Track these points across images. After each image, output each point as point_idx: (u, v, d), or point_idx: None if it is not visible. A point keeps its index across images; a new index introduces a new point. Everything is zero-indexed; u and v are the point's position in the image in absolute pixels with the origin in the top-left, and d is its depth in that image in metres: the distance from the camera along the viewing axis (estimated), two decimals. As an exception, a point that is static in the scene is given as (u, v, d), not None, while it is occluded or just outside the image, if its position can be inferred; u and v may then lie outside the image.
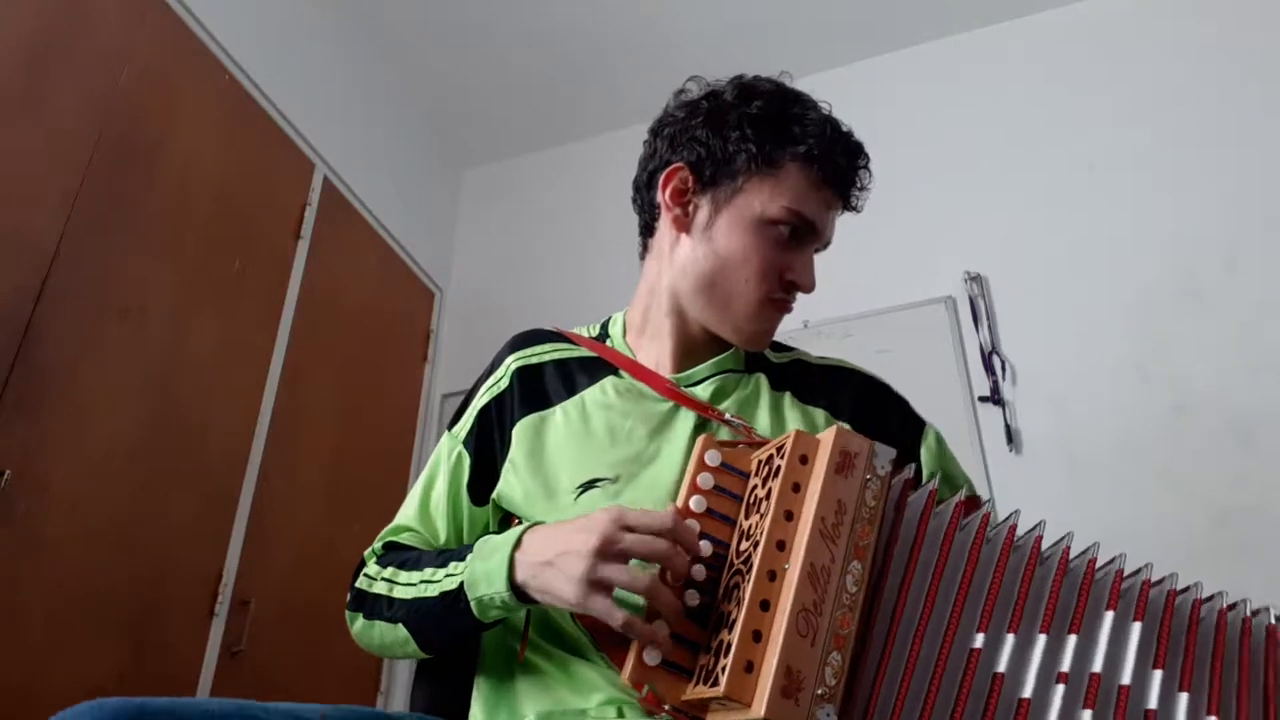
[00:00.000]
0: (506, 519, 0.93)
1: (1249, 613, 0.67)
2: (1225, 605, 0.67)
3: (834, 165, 0.86)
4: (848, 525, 0.65)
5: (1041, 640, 0.64)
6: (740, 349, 0.96)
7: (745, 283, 0.87)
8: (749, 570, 0.65)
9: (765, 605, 0.62)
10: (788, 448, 0.69)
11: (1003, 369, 2.28)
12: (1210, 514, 1.97)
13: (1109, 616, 0.65)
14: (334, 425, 2.36)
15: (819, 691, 0.58)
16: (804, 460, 0.69)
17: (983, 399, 2.26)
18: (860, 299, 2.46)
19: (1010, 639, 0.64)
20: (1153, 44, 2.50)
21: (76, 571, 1.57)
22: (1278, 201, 2.19)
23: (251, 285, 2.12)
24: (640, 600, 0.67)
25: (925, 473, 0.92)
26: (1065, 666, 0.63)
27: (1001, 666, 0.63)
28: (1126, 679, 0.62)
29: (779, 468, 0.69)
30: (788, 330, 2.46)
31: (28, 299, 1.56)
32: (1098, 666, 0.63)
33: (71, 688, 1.53)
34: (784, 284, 0.88)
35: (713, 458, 0.74)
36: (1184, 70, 2.43)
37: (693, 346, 0.95)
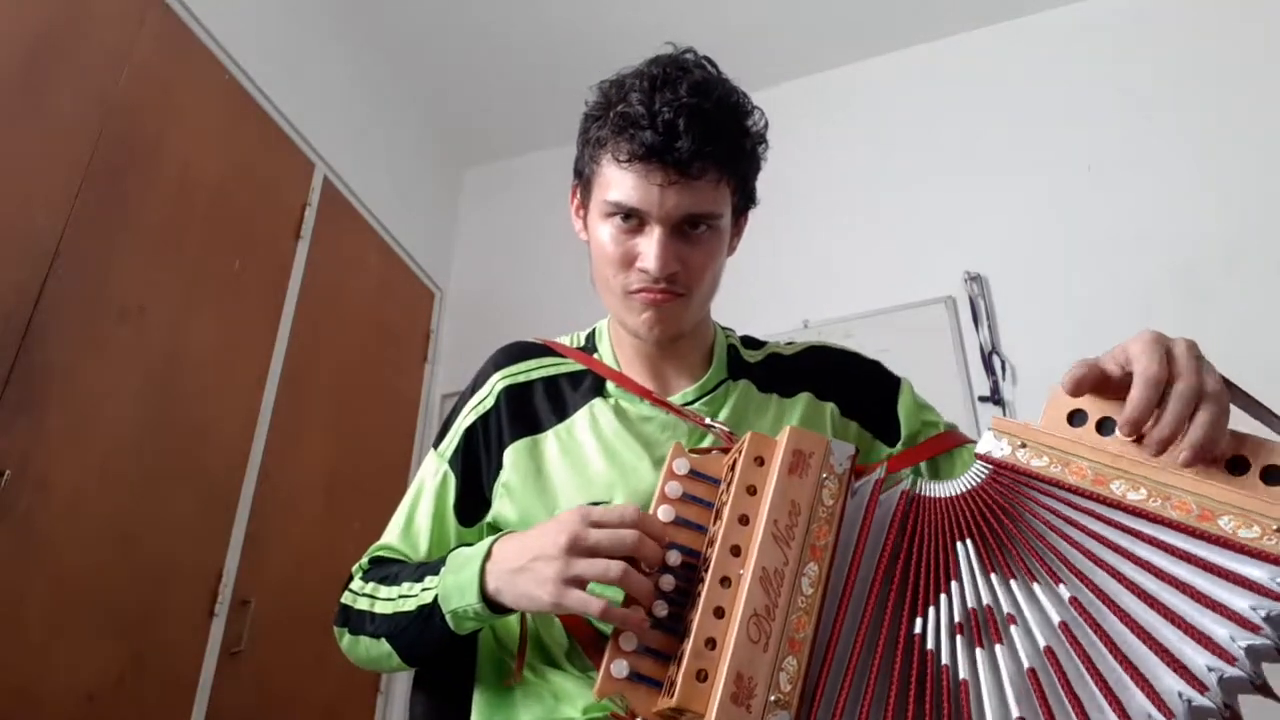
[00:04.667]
0: None
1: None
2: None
3: (637, 139, 0.81)
4: (802, 526, 0.64)
5: (943, 601, 0.62)
6: (720, 360, 0.97)
7: (609, 279, 0.88)
8: (707, 577, 0.64)
9: (720, 612, 0.62)
10: (744, 450, 0.69)
11: (1003, 369, 2.28)
12: (1210, 514, 1.97)
13: (960, 549, 0.64)
14: (334, 425, 2.36)
15: (772, 698, 0.58)
16: (760, 462, 0.68)
17: (983, 399, 2.26)
18: (860, 299, 2.47)
19: (931, 612, 0.62)
20: (1152, 44, 2.49)
21: (76, 571, 1.57)
22: (1278, 201, 2.19)
23: (251, 285, 2.12)
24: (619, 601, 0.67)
25: (905, 429, 0.94)
26: (958, 617, 0.61)
27: (930, 644, 0.61)
28: (986, 599, 0.61)
29: (737, 470, 0.68)
30: (787, 330, 2.48)
31: (28, 299, 1.56)
32: (971, 601, 0.62)
33: (71, 688, 1.53)
34: (638, 273, 0.85)
35: (681, 466, 0.73)
36: (1184, 70, 2.43)
37: (658, 352, 0.95)
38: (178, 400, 1.85)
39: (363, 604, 0.86)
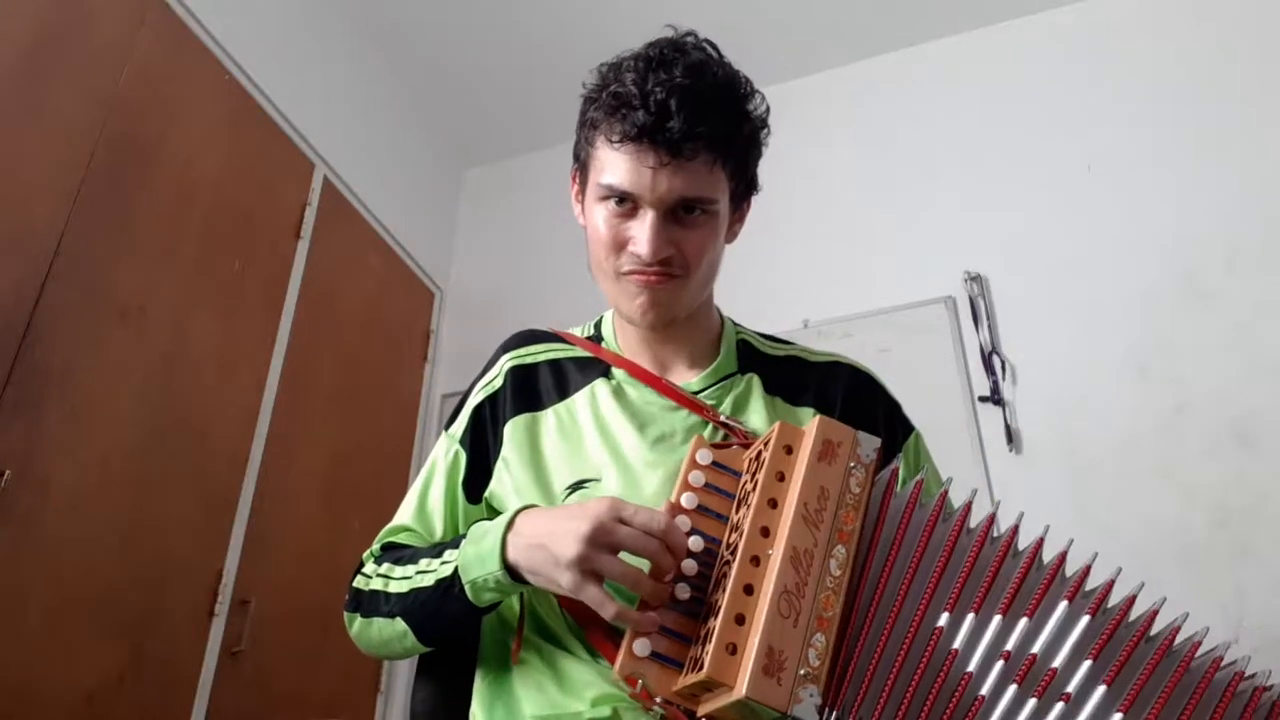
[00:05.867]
0: None
1: (1242, 671, 0.66)
2: (1221, 656, 0.66)
3: (629, 119, 0.80)
4: (831, 510, 0.66)
5: (996, 621, 0.65)
6: (729, 351, 0.97)
7: (602, 261, 0.88)
8: (735, 557, 0.66)
9: (749, 589, 0.64)
10: (773, 439, 0.71)
11: (1003, 369, 2.28)
12: (1210, 514, 1.97)
13: (1062, 607, 0.66)
14: (334, 425, 2.36)
15: (802, 672, 0.59)
16: (789, 450, 0.70)
17: (983, 399, 2.26)
18: (860, 299, 2.47)
19: (970, 618, 0.65)
20: (1153, 44, 2.50)
21: (76, 571, 1.57)
22: (1278, 201, 2.19)
23: (251, 285, 2.12)
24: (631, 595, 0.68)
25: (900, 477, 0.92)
26: (1010, 646, 0.64)
27: (957, 643, 0.64)
28: (1058, 663, 0.64)
29: (765, 459, 0.70)
30: (787, 330, 2.48)
31: (28, 299, 1.56)
32: (1037, 648, 0.64)
33: (71, 688, 1.53)
34: (630, 255, 0.85)
35: (704, 456, 0.75)
36: (1184, 70, 2.43)
37: (658, 338, 0.95)
38: (178, 400, 1.85)
39: (376, 584, 0.86)
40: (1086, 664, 0.64)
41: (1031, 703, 0.62)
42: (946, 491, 0.71)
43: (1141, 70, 2.47)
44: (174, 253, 1.90)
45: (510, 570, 0.74)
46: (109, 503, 1.66)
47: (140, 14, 1.90)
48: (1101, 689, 0.63)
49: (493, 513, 0.93)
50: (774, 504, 0.67)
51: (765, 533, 0.66)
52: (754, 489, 0.69)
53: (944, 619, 0.65)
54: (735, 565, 0.65)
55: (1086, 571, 0.68)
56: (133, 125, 1.84)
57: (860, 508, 0.67)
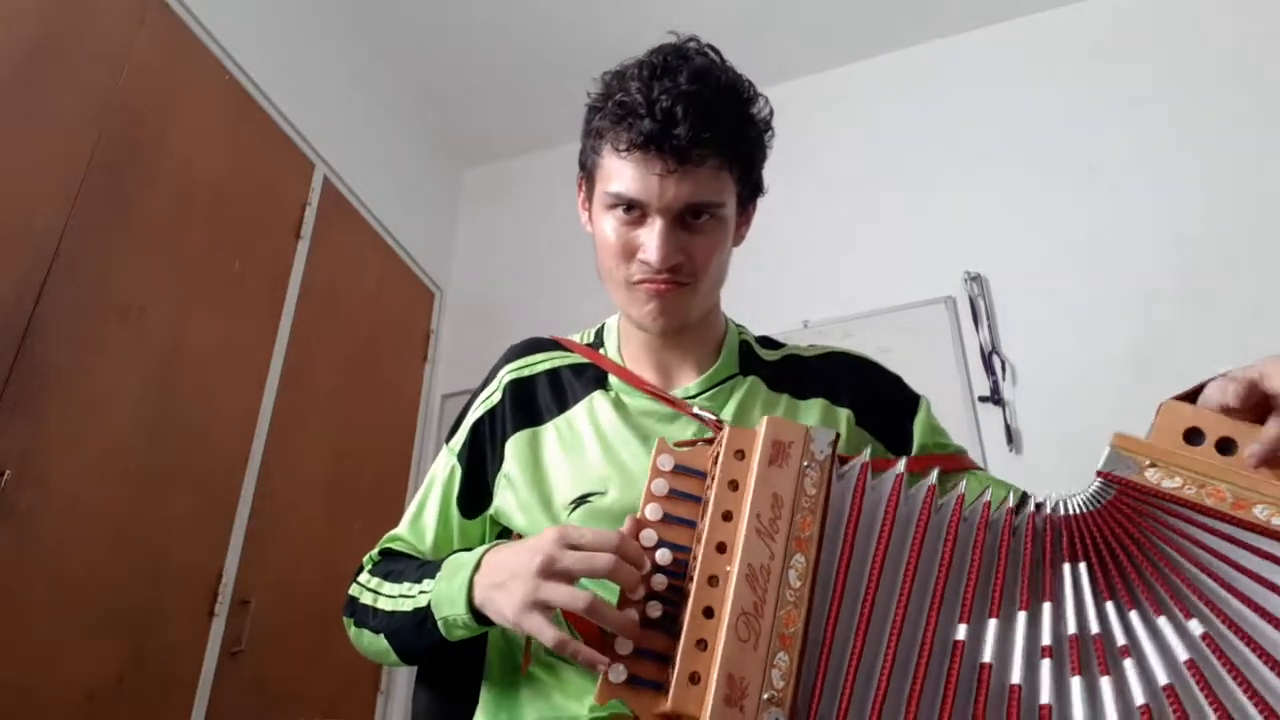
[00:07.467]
0: (505, 534, 0.93)
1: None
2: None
3: (636, 128, 0.80)
4: (786, 519, 0.63)
5: (1022, 618, 0.61)
6: (730, 355, 0.97)
7: (612, 270, 0.88)
8: (695, 576, 0.63)
9: (709, 612, 0.61)
10: (724, 445, 0.68)
11: (1003, 369, 2.28)
12: (1210, 514, 1.97)
13: (1067, 571, 0.62)
14: (334, 425, 2.36)
15: (765, 696, 0.58)
16: (740, 456, 0.67)
17: (983, 399, 2.26)
18: (860, 299, 2.47)
19: (993, 624, 0.61)
20: (1152, 44, 2.50)
21: (76, 571, 1.57)
22: (1277, 202, 2.19)
23: (251, 285, 2.12)
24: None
25: (916, 446, 0.92)
26: (1046, 639, 0.60)
27: (987, 656, 0.60)
28: (1095, 627, 0.59)
29: (720, 462, 0.67)
30: (787, 330, 2.48)
31: (28, 299, 1.56)
32: (1073, 628, 0.60)
33: (71, 687, 1.53)
34: (639, 264, 0.85)
35: (665, 462, 0.71)
36: (1183, 70, 2.43)
37: (662, 344, 0.95)
38: (178, 400, 1.84)
39: (367, 598, 0.87)
40: (1110, 607, 0.59)
41: (1106, 682, 0.56)
42: (934, 486, 0.67)
43: (1141, 70, 2.47)
44: (174, 252, 1.90)
45: (476, 613, 0.73)
46: (109, 503, 1.66)
47: (140, 14, 1.90)
48: (1114, 607, 0.59)
49: (496, 528, 0.94)
50: (728, 517, 0.64)
51: (722, 549, 0.63)
52: (710, 499, 0.66)
53: (962, 630, 0.60)
54: (694, 587, 0.62)
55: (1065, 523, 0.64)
56: (133, 125, 1.84)
57: (817, 510, 0.64)
